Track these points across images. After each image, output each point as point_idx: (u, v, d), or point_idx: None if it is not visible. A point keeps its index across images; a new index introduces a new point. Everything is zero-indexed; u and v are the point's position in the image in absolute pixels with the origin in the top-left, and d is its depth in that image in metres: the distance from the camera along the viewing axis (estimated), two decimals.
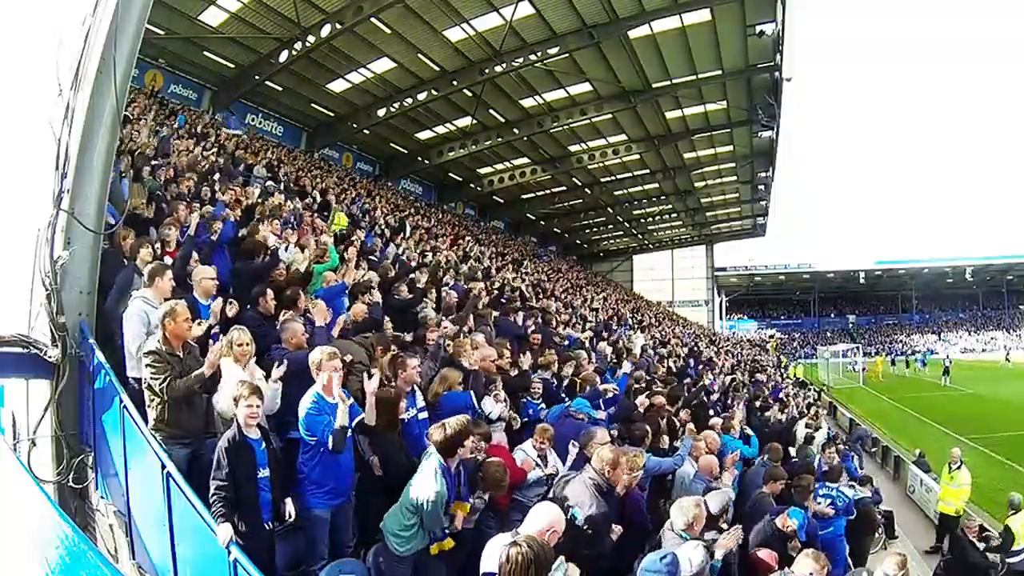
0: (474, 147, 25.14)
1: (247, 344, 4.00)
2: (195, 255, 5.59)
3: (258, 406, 3.42)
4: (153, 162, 8.73)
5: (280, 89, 20.43)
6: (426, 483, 3.37)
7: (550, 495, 3.92)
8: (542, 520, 2.83)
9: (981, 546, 7.23)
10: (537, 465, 4.39)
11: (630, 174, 31.20)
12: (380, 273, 7.50)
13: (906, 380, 34.25)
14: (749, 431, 8.09)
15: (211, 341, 4.13)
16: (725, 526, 4.24)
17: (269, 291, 5.04)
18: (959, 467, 10.02)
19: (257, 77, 19.08)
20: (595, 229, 42.03)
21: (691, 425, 6.37)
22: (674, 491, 5.12)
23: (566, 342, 9.01)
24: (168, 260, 5.30)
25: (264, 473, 3.39)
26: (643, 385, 7.63)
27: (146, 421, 3.58)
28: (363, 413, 3.83)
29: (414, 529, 3.39)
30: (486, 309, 7.79)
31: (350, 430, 3.66)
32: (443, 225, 22.21)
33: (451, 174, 29.42)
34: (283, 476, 3.54)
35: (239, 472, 3.24)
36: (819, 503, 5.94)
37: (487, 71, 19.29)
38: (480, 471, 3.86)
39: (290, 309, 4.95)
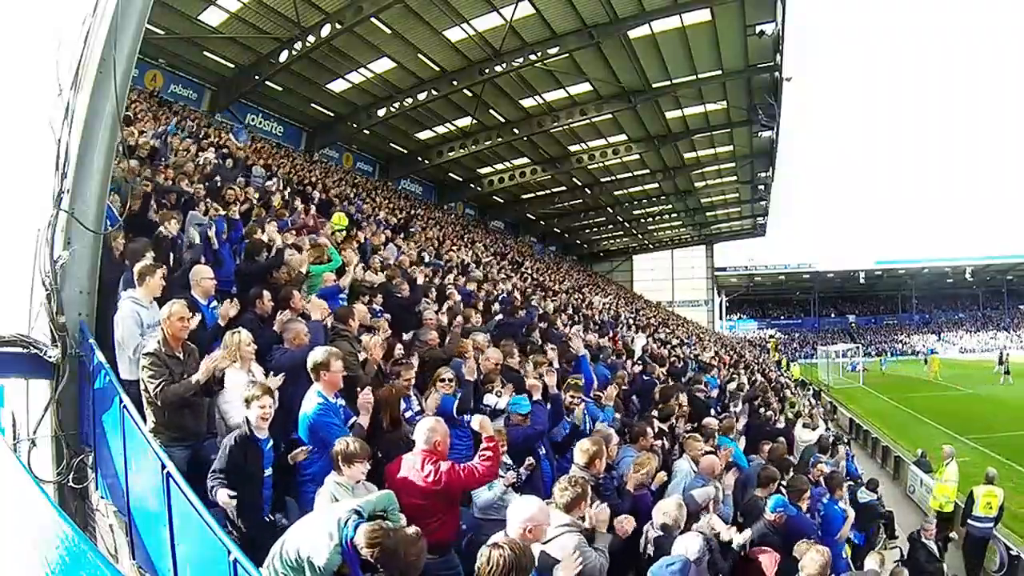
0: (474, 147, 25.13)
1: (250, 344, 3.99)
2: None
3: (271, 407, 3.40)
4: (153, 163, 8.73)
5: (280, 89, 20.41)
6: (319, 543, 2.54)
7: None
8: (518, 517, 2.78)
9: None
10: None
11: (630, 174, 31.19)
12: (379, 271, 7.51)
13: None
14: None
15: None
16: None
17: (266, 292, 5.02)
18: (948, 463, 10.37)
19: (257, 77, 19.06)
20: (595, 229, 42.01)
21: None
22: (668, 491, 5.10)
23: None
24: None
25: (269, 472, 3.41)
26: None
27: (146, 422, 3.58)
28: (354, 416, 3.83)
29: None
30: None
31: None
32: (443, 225, 22.21)
33: (451, 174, 29.41)
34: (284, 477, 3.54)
35: (245, 470, 3.24)
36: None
37: (487, 71, 19.28)
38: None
39: (285, 309, 4.92)
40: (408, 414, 4.30)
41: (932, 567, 7.30)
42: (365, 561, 2.48)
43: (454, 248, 16.48)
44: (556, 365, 6.73)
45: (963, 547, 9.30)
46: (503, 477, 3.90)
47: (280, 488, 3.50)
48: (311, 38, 16.88)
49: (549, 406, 4.96)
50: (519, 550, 2.40)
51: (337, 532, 2.49)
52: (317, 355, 3.73)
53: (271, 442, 3.46)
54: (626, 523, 3.70)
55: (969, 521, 9.06)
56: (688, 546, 3.44)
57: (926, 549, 7.39)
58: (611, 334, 13.61)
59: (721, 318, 52.44)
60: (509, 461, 4.19)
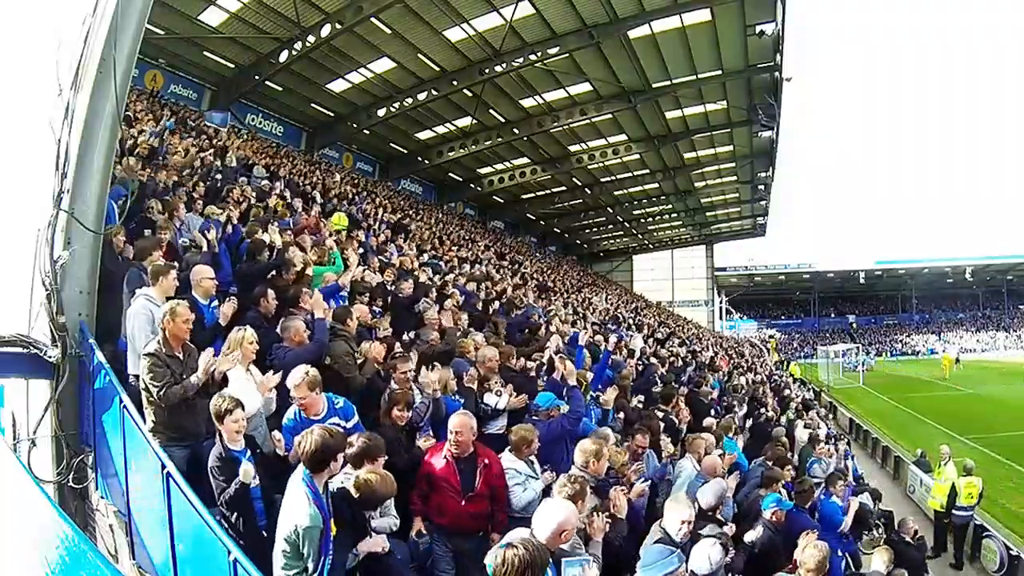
0: (474, 147, 25.12)
1: (253, 343, 3.98)
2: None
3: (244, 419, 3.35)
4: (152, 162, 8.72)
5: (280, 89, 20.40)
6: (295, 506, 2.81)
7: None
8: (552, 521, 2.74)
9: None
10: (528, 476, 3.99)
11: (630, 174, 31.18)
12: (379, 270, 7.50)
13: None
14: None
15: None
16: (721, 519, 4.27)
17: (270, 291, 5.02)
18: (946, 463, 10.48)
19: (257, 77, 19.06)
20: (595, 229, 42.02)
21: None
22: (673, 490, 5.10)
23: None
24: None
25: (254, 483, 3.32)
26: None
27: (145, 421, 3.58)
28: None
29: (299, 568, 2.78)
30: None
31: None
32: (443, 225, 22.20)
33: (451, 174, 29.40)
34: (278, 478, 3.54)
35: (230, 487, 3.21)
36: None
37: (487, 71, 19.28)
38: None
39: (292, 309, 4.92)
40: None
41: (919, 561, 7.37)
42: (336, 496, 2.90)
43: (454, 248, 16.48)
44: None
45: (952, 536, 10.06)
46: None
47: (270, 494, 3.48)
48: (311, 38, 16.88)
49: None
50: (534, 548, 2.29)
51: (302, 482, 2.76)
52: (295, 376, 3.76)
53: (248, 452, 3.37)
54: (618, 498, 3.70)
55: (953, 511, 9.86)
56: (710, 555, 3.38)
57: (912, 547, 7.41)
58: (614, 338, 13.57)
59: (721, 318, 52.36)
60: (538, 469, 4.08)
